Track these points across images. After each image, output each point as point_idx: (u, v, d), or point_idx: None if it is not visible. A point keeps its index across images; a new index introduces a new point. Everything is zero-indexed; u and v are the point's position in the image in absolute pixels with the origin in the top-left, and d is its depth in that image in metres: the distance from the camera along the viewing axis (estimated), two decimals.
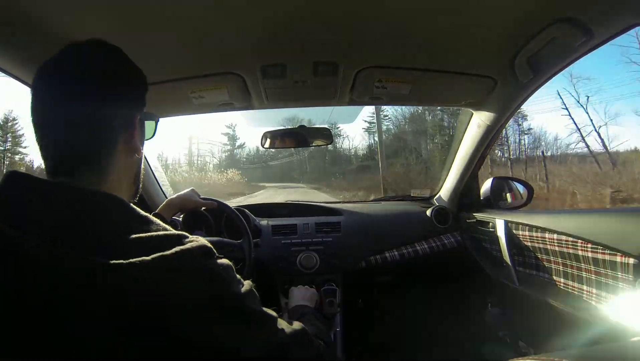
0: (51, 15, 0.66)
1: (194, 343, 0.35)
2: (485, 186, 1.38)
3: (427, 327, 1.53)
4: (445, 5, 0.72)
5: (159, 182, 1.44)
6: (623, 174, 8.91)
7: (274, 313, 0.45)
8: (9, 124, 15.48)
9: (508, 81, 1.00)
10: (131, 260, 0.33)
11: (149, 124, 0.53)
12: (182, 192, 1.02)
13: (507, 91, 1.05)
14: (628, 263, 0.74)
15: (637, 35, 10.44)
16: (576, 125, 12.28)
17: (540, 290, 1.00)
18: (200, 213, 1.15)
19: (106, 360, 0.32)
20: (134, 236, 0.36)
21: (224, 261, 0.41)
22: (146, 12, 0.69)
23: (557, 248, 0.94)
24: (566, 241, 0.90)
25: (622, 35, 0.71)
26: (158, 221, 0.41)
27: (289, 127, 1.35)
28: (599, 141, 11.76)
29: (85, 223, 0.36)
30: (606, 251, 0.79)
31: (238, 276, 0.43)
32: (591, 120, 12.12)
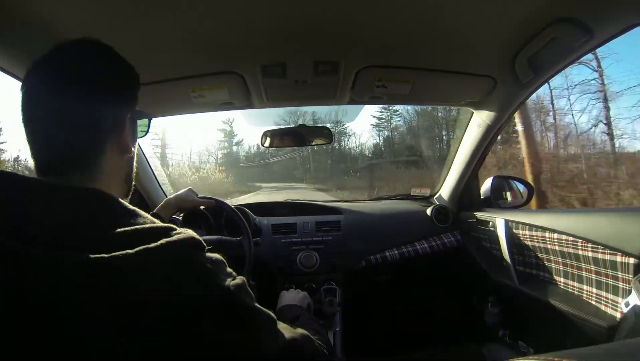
0: (48, 12, 0.66)
1: (187, 341, 0.34)
2: (486, 185, 1.38)
3: (427, 326, 1.54)
4: (446, 5, 0.72)
5: (159, 181, 1.44)
6: None
7: (271, 314, 0.44)
8: None
9: (508, 80, 1.00)
10: (113, 254, 0.32)
11: (141, 123, 0.52)
12: (179, 192, 1.02)
13: (508, 90, 1.05)
14: (628, 263, 0.74)
15: None
16: None
17: (540, 290, 1.00)
18: (200, 212, 1.15)
19: (106, 360, 0.32)
20: (119, 230, 0.35)
21: (214, 255, 0.40)
22: (146, 11, 0.69)
23: (557, 248, 0.94)
24: (566, 240, 0.90)
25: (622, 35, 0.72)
26: (146, 214, 0.40)
27: (290, 126, 1.36)
28: None
29: (84, 223, 0.36)
30: (606, 251, 0.79)
31: (230, 270, 0.41)
32: None
